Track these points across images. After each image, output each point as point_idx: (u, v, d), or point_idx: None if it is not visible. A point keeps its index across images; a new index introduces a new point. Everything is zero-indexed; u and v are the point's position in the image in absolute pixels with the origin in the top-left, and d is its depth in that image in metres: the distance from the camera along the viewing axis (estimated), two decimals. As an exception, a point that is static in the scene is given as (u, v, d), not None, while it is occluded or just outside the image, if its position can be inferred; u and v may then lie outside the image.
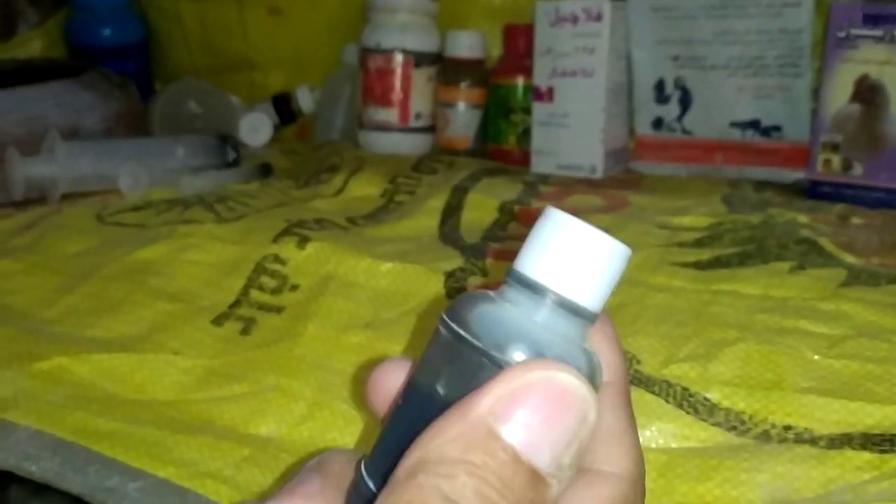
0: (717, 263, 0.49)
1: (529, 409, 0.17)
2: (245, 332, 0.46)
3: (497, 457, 0.17)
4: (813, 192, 0.64)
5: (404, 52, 0.80)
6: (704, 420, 0.37)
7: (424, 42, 0.81)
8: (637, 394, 0.38)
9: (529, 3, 0.79)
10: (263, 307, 0.48)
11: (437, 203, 0.62)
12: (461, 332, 0.19)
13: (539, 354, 0.19)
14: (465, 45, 0.80)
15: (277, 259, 0.51)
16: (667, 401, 0.38)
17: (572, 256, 0.20)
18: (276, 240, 0.52)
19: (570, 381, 0.18)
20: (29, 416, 0.37)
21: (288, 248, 0.51)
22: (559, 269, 0.20)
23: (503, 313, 0.20)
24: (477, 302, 0.20)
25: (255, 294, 0.49)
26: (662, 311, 0.44)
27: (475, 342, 0.19)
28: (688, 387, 0.39)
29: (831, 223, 0.55)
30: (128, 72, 0.90)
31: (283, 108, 0.94)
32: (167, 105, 0.81)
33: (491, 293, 0.21)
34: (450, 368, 0.20)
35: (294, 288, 0.49)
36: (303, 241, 0.51)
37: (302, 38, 0.93)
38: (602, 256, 0.20)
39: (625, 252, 0.20)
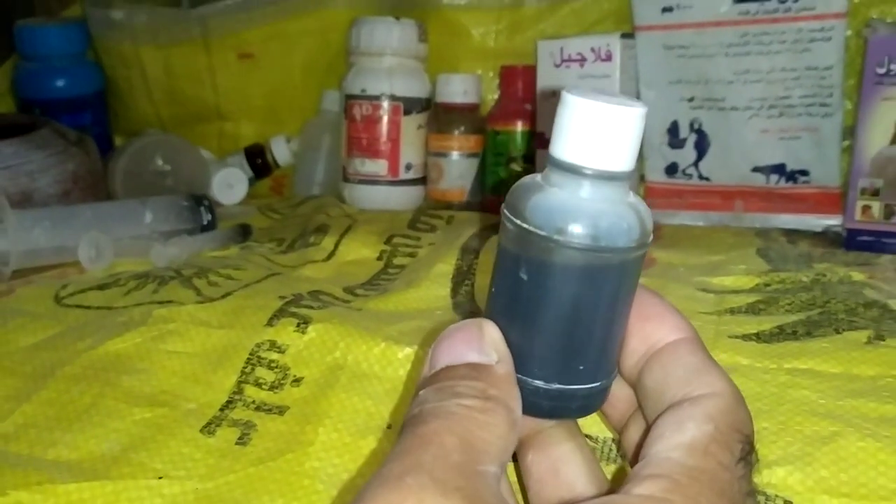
0: (782, 334, 0.43)
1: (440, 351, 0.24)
2: (242, 441, 0.38)
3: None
4: (851, 241, 0.59)
5: (392, 98, 0.73)
6: (821, 544, 0.31)
7: (414, 87, 0.74)
8: (731, 510, 0.32)
9: (525, 43, 0.74)
10: (262, 407, 0.40)
11: (446, 268, 0.55)
12: (525, 225, 0.22)
13: (593, 225, 0.22)
14: (458, 89, 0.74)
15: (274, 346, 0.43)
16: (769, 518, 0.32)
17: (595, 133, 0.22)
18: (270, 322, 0.45)
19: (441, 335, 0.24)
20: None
21: (286, 333, 0.44)
22: (587, 146, 0.22)
23: (553, 198, 0.22)
24: (529, 192, 0.23)
25: (250, 391, 0.41)
26: (735, 397, 0.38)
27: (539, 232, 0.22)
28: (791, 499, 0.32)
29: (892, 280, 0.49)
30: (85, 126, 0.83)
31: (257, 160, 0.86)
32: (131, 162, 0.73)
33: (538, 178, 0.23)
34: (526, 256, 0.23)
35: (297, 381, 0.41)
36: (303, 324, 0.44)
37: (276, 85, 0.86)
38: (619, 125, 0.22)
39: (639, 113, 0.22)
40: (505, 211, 0.23)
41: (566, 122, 0.22)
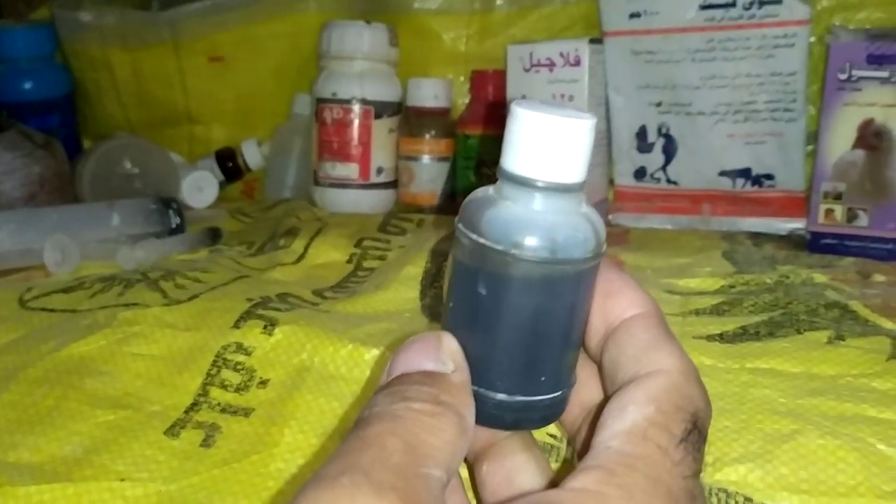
0: (745, 335, 0.44)
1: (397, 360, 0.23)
2: (207, 443, 0.38)
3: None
4: (814, 244, 0.60)
5: (363, 102, 0.73)
6: (780, 541, 0.31)
7: (385, 91, 0.74)
8: (692, 508, 0.32)
9: (496, 48, 0.74)
10: (227, 409, 0.40)
11: (415, 270, 0.55)
12: (481, 240, 0.22)
13: (549, 238, 0.22)
14: (428, 93, 0.74)
15: (241, 348, 0.43)
16: (729, 515, 0.32)
17: (545, 146, 0.22)
18: (237, 324, 0.44)
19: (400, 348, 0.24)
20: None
21: (252, 335, 0.44)
22: (538, 159, 0.22)
23: (507, 212, 0.22)
24: (483, 206, 0.23)
25: (215, 393, 0.41)
26: (698, 396, 0.38)
27: (496, 246, 0.22)
28: (751, 496, 0.32)
29: (854, 282, 0.50)
30: (52, 129, 0.82)
31: (228, 164, 0.86)
32: (99, 165, 0.73)
33: (490, 191, 0.23)
34: (483, 271, 0.23)
35: (263, 383, 0.41)
36: (270, 326, 0.44)
37: (247, 88, 0.86)
38: (569, 137, 0.22)
39: (588, 125, 0.22)
40: (459, 225, 0.23)
41: (516, 136, 0.22)
